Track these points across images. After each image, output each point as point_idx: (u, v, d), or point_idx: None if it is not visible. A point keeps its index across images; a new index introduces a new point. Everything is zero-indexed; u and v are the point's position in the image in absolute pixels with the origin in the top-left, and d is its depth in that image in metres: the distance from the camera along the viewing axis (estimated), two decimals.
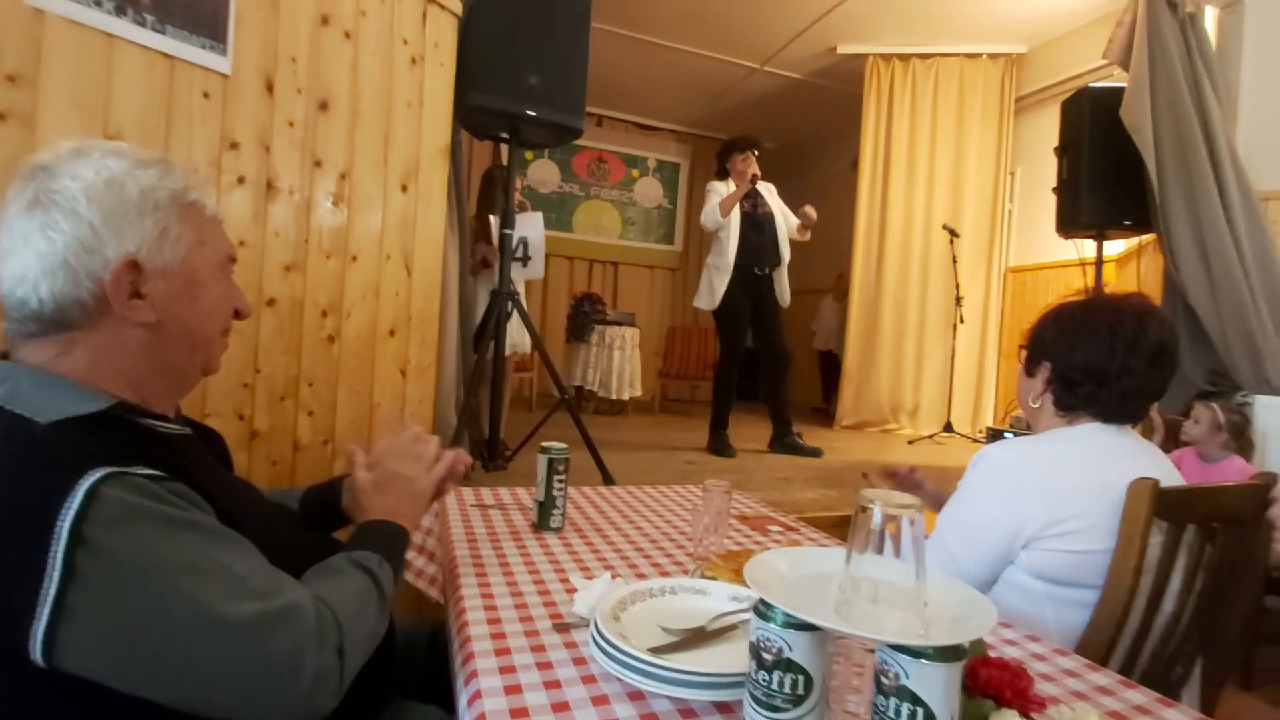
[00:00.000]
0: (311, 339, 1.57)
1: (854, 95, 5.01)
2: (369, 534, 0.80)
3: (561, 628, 0.78)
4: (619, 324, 4.99)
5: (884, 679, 0.44)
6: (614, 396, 4.87)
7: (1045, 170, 3.56)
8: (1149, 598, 0.94)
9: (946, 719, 0.42)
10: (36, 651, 0.50)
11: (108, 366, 0.65)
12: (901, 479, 1.42)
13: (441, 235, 1.81)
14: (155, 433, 0.67)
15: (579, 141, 6.41)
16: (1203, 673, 1.06)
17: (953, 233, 4.58)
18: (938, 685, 0.42)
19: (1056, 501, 0.99)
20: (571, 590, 0.88)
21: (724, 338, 3.46)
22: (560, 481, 1.15)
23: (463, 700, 0.65)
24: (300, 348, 1.55)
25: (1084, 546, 0.97)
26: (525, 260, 2.65)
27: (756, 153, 3.38)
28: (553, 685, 0.65)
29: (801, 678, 0.47)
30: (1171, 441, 2.56)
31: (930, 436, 4.46)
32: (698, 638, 0.69)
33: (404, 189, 1.73)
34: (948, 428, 4.49)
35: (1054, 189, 3.37)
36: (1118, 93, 3.07)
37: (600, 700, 0.63)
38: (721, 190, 3.39)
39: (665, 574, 0.99)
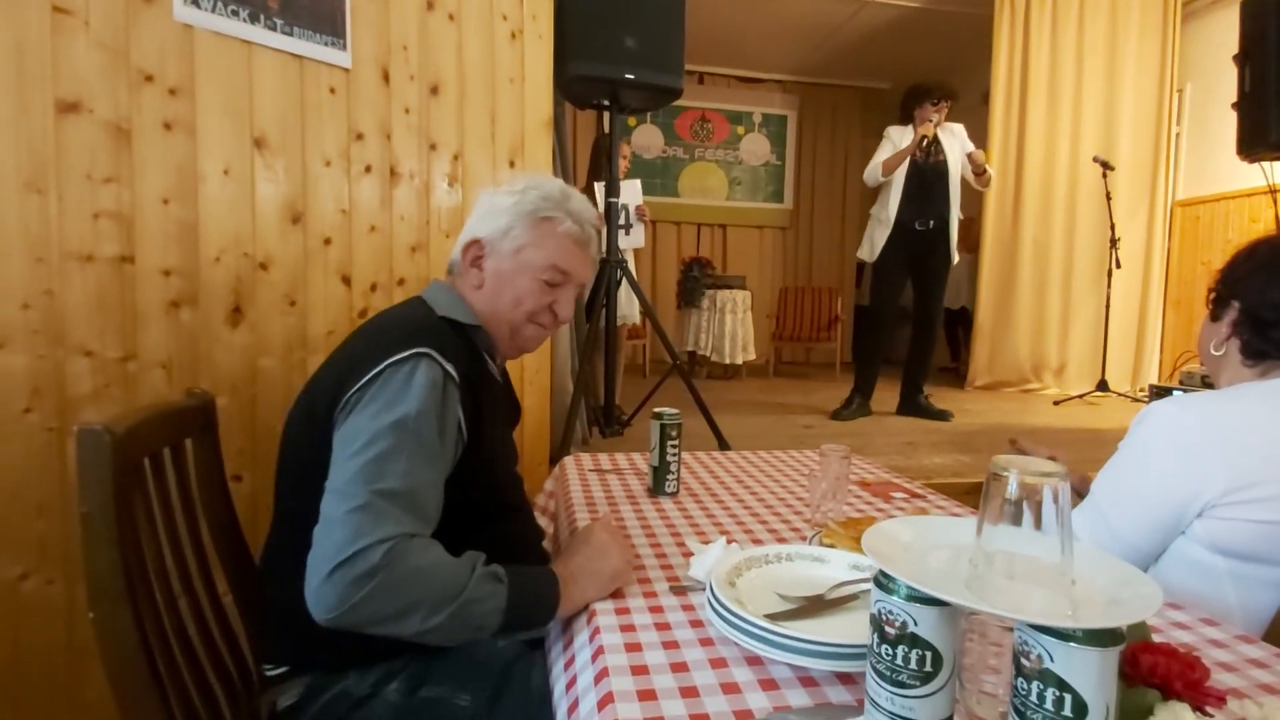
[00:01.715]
0: None
1: (982, 19, 4.51)
2: (530, 575, 0.78)
3: (679, 590, 0.79)
4: (729, 287, 4.92)
5: (1025, 661, 0.40)
6: (727, 361, 4.83)
7: (1221, 84, 3.04)
8: None
9: (1101, 709, 0.38)
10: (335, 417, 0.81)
11: (469, 302, 0.97)
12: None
13: None
14: (476, 356, 0.94)
15: (680, 102, 6.28)
16: None
17: (1106, 165, 4.04)
18: (1089, 671, 0.38)
19: (1241, 464, 0.86)
20: (688, 554, 0.89)
21: (872, 296, 3.28)
22: (674, 446, 1.15)
23: (585, 655, 0.68)
24: None
25: (1274, 516, 0.84)
26: (627, 228, 2.65)
27: (948, 104, 3.07)
28: (671, 645, 0.66)
29: (929, 654, 0.44)
30: None
31: (1081, 396, 4.03)
32: (815, 606, 0.67)
33: (511, 164, 1.78)
34: (1102, 386, 4.04)
35: (1234, 104, 2.87)
36: None
37: (719, 663, 0.63)
38: (896, 139, 3.12)
39: (782, 540, 0.98)
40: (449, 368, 0.83)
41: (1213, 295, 1.01)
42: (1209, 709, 0.42)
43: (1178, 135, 4.32)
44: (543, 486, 1.42)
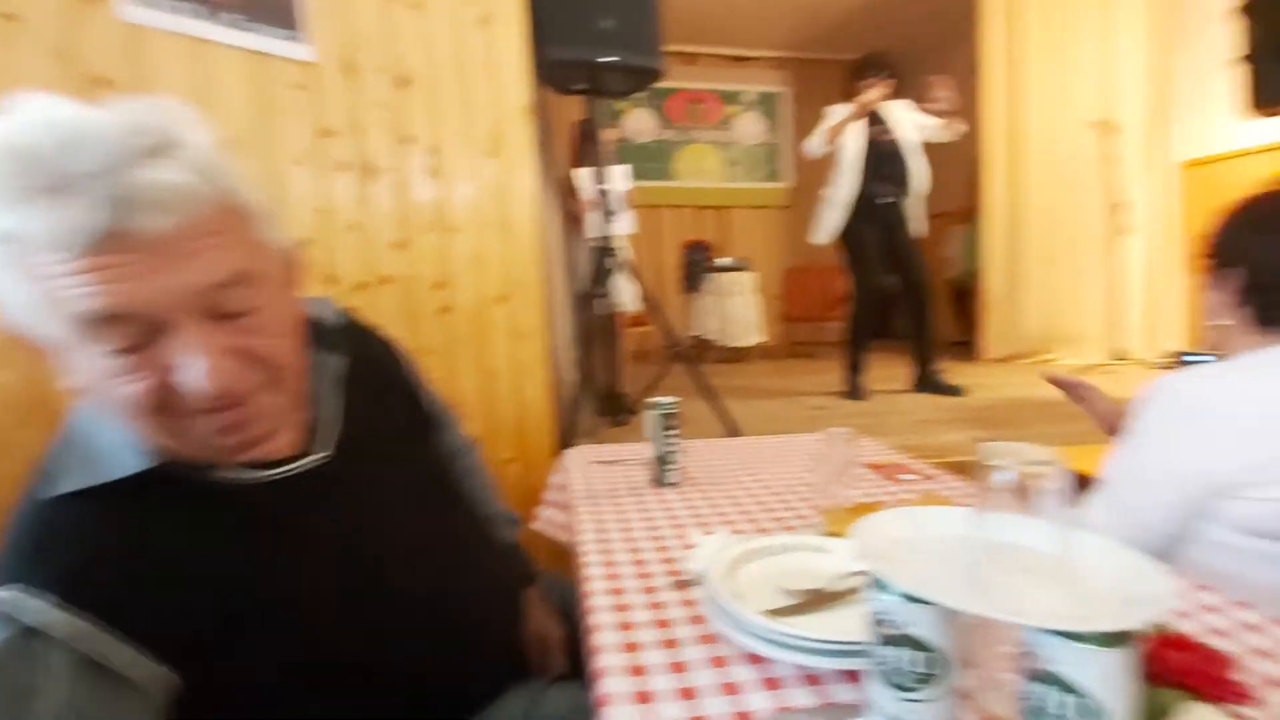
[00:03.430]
0: (426, 311, 1.67)
1: None
2: None
3: (681, 583, 0.77)
4: (733, 269, 4.88)
5: (1031, 663, 0.38)
6: (736, 344, 4.79)
7: (1219, 40, 2.95)
8: None
9: (1115, 712, 0.36)
10: None
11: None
12: (1071, 389, 1.25)
13: (535, 198, 1.83)
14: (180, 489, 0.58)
15: (670, 84, 6.22)
16: None
17: (1108, 127, 3.94)
18: (1099, 674, 0.35)
19: (1262, 439, 0.82)
20: (690, 547, 0.87)
21: (852, 273, 3.25)
22: (673, 436, 1.13)
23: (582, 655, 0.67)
24: (418, 321, 1.66)
25: None
26: (616, 214, 2.63)
27: (885, 79, 3.05)
28: (671, 644, 0.64)
29: (929, 655, 0.42)
30: None
31: (1097, 366, 3.97)
32: (819, 599, 0.65)
33: (491, 155, 1.76)
34: (1119, 354, 3.96)
35: (1239, 60, 2.79)
36: None
37: (719, 661, 0.61)
38: (837, 114, 3.12)
39: (788, 528, 0.96)
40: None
41: (1210, 262, 0.97)
42: (1235, 706, 0.39)
43: (1180, 94, 4.20)
44: (547, 481, 1.41)
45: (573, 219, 2.79)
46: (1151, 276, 4.26)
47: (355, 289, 1.63)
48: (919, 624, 0.42)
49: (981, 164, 4.42)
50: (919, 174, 3.12)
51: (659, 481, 1.14)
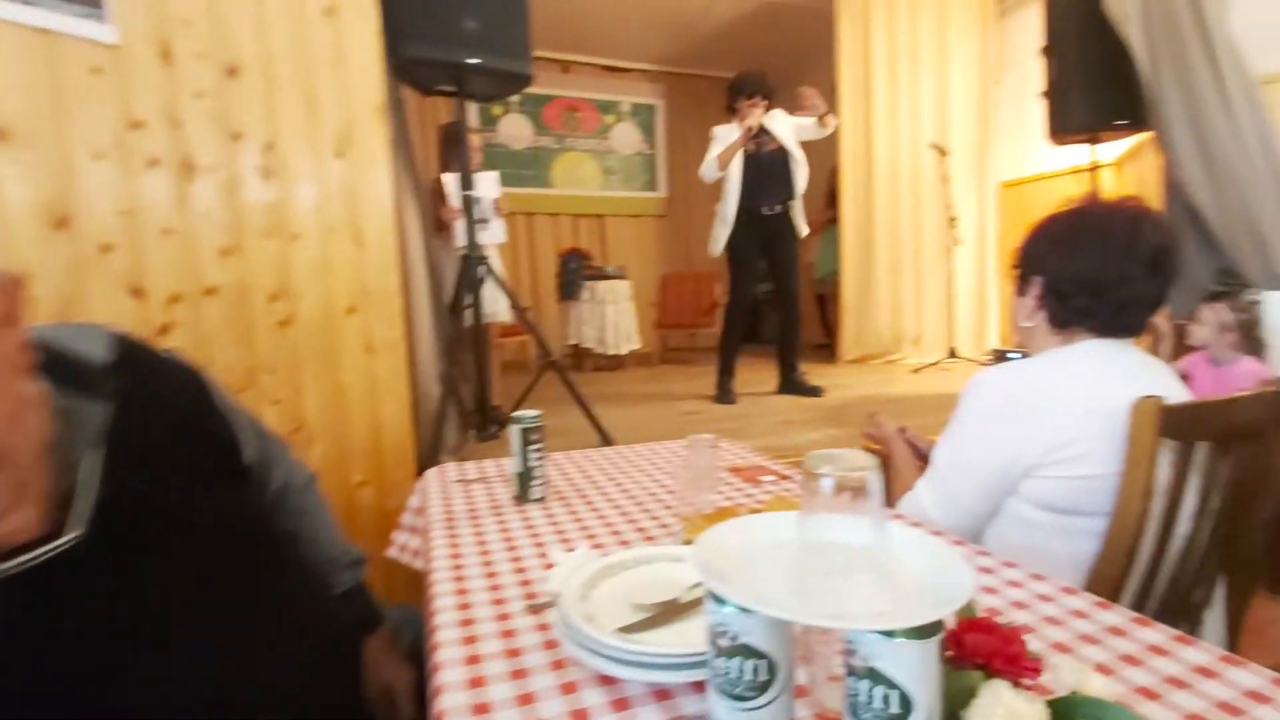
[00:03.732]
0: (264, 325, 1.50)
1: (827, 14, 4.75)
2: None
3: (535, 608, 0.74)
4: (609, 278, 4.90)
5: (853, 660, 0.39)
6: (611, 352, 4.81)
7: (1033, 77, 3.39)
8: (1161, 522, 0.89)
9: (924, 701, 0.37)
10: None
11: None
12: (887, 439, 1.35)
13: (390, 202, 1.71)
14: None
15: (547, 91, 6.19)
16: (1227, 592, 1.02)
17: (941, 151, 4.41)
18: (912, 665, 0.37)
19: (1056, 426, 0.93)
20: (550, 566, 0.84)
21: (730, 282, 3.39)
22: (537, 450, 1.10)
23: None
24: (253, 335, 1.48)
25: (1088, 471, 0.92)
26: (485, 223, 2.54)
27: (764, 99, 3.19)
28: (520, 675, 0.61)
29: (764, 663, 0.42)
30: (1182, 348, 2.49)
31: (935, 363, 4.39)
32: (671, 611, 0.64)
33: (339, 155, 1.62)
34: (952, 353, 4.42)
35: (1042, 94, 3.21)
36: None
37: (569, 688, 0.59)
38: (723, 136, 3.23)
39: (650, 539, 0.95)
40: None
41: (1017, 272, 1.09)
42: (1028, 680, 0.42)
43: (999, 123, 4.78)
44: (406, 504, 1.32)
45: (440, 225, 2.67)
46: (979, 283, 4.80)
47: (170, 302, 1.44)
48: (753, 633, 0.42)
49: (839, 179, 4.77)
50: (800, 178, 3.28)
51: (522, 498, 1.10)
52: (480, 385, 2.06)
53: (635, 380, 4.39)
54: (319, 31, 1.59)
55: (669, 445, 1.51)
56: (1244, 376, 2.20)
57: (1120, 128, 3.01)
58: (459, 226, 2.13)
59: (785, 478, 1.24)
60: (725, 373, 3.35)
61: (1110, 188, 3.37)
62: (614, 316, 4.79)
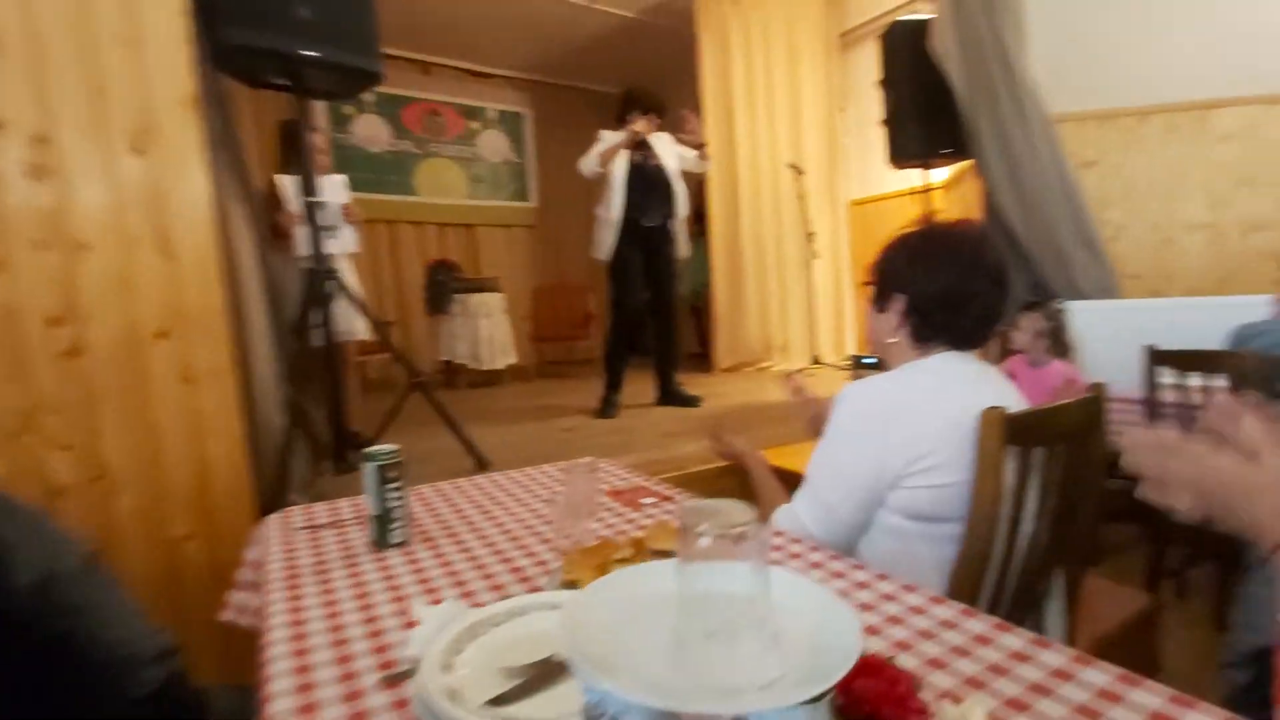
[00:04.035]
0: (43, 356, 1.23)
1: (691, 35, 4.92)
2: None
3: (391, 680, 0.64)
4: (480, 290, 4.71)
5: None
6: (487, 367, 4.62)
7: (873, 105, 3.69)
8: (1009, 523, 0.96)
9: None
10: None
11: None
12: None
13: (208, 208, 1.47)
14: None
15: (406, 92, 5.89)
16: (1066, 578, 1.11)
17: (798, 170, 4.70)
18: None
19: (915, 437, 0.97)
20: (411, 624, 0.75)
21: (613, 295, 3.36)
22: (395, 489, 0.99)
23: None
24: (28, 368, 1.21)
25: (944, 480, 0.97)
26: (333, 231, 2.32)
27: (651, 113, 3.23)
28: None
29: None
30: (1005, 352, 2.80)
31: (801, 370, 4.64)
32: (546, 674, 0.58)
33: (138, 152, 1.37)
34: (815, 360, 4.70)
35: (881, 122, 3.50)
36: (928, 24, 3.20)
37: None
38: (608, 139, 3.25)
39: (526, 580, 0.88)
40: None
41: (875, 289, 1.13)
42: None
43: (846, 146, 5.17)
44: (243, 557, 1.14)
45: (276, 233, 2.40)
46: (836, 294, 5.15)
47: None
48: (633, 713, 0.37)
49: (708, 194, 4.92)
50: (681, 198, 3.35)
51: (380, 544, 0.98)
52: (336, 411, 1.86)
53: (513, 396, 4.24)
54: (105, 6, 1.33)
55: (548, 470, 1.44)
56: (1056, 376, 2.51)
57: (947, 155, 3.34)
58: (301, 235, 1.91)
59: (667, 498, 1.21)
60: (612, 386, 3.32)
61: (941, 209, 3.74)
62: (488, 330, 4.61)
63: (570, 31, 5.58)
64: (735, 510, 0.40)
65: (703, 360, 5.25)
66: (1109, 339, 2.81)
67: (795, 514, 1.06)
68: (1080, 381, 2.52)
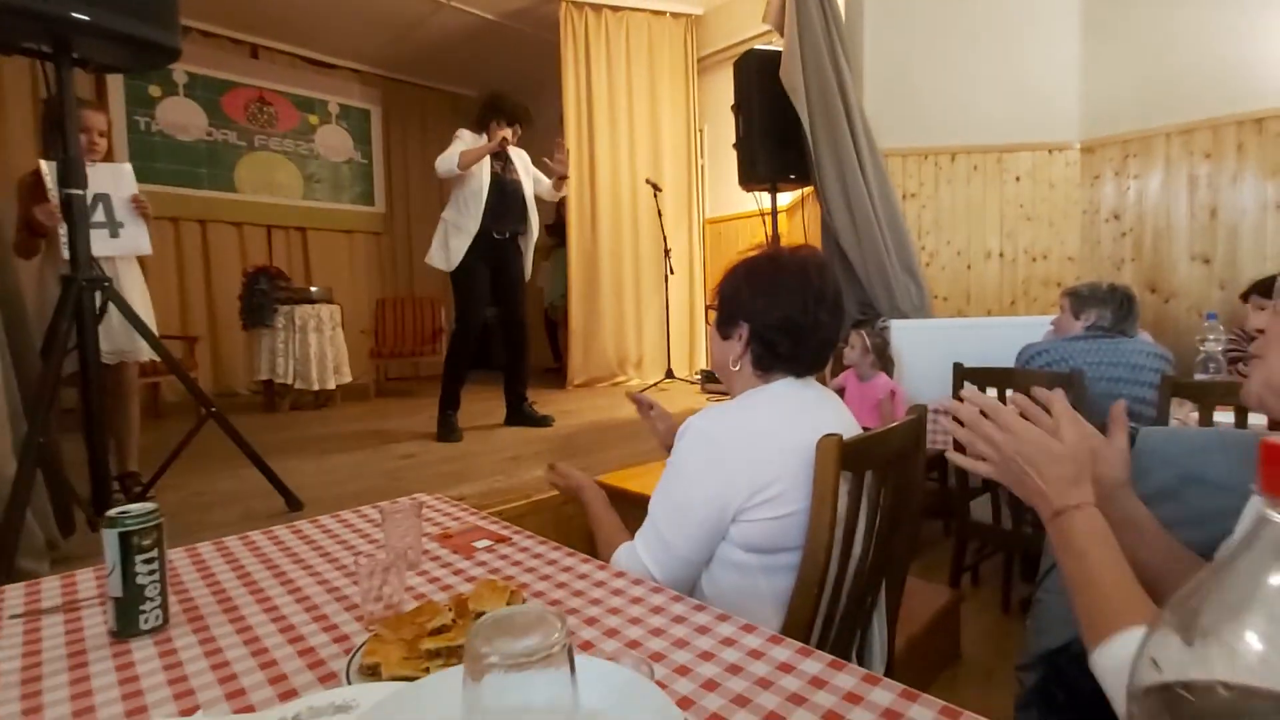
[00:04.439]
0: None
1: (552, 43, 4.85)
2: None
3: None
4: (310, 301, 4.26)
5: None
6: (316, 387, 4.17)
7: (728, 127, 3.84)
8: (842, 547, 0.96)
9: None
10: None
11: None
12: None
13: None
14: None
15: (228, 76, 5.25)
16: (886, 587, 1.15)
17: (655, 187, 4.77)
18: None
19: (757, 470, 0.95)
20: None
21: (458, 309, 3.15)
22: (148, 562, 0.79)
23: None
24: None
25: (784, 510, 0.95)
26: (115, 229, 1.95)
27: (516, 123, 3.16)
28: None
29: None
30: (837, 366, 2.99)
31: (655, 384, 4.69)
32: None
33: None
34: (669, 374, 4.77)
35: (734, 145, 3.64)
36: (778, 56, 3.39)
37: None
38: (469, 140, 3.09)
39: (319, 665, 0.73)
40: None
41: (719, 315, 1.11)
42: None
43: (703, 166, 5.35)
44: None
45: (36, 232, 1.96)
46: (689, 310, 5.28)
47: None
48: None
49: (567, 208, 4.84)
50: (534, 217, 3.28)
51: (123, 632, 0.78)
52: (97, 451, 1.51)
53: (345, 419, 3.86)
54: None
55: (367, 512, 1.27)
56: (882, 389, 2.71)
57: (792, 180, 3.55)
58: (67, 234, 1.55)
59: (503, 539, 1.10)
60: (448, 407, 3.11)
61: (784, 230, 3.95)
62: (318, 346, 4.17)
63: (425, 27, 5.28)
64: (536, 621, 0.31)
65: (556, 375, 5.15)
66: (923, 354, 3.10)
67: (635, 554, 1.01)
68: (901, 393, 2.75)
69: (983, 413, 0.73)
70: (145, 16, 1.49)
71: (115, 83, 4.64)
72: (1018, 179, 3.58)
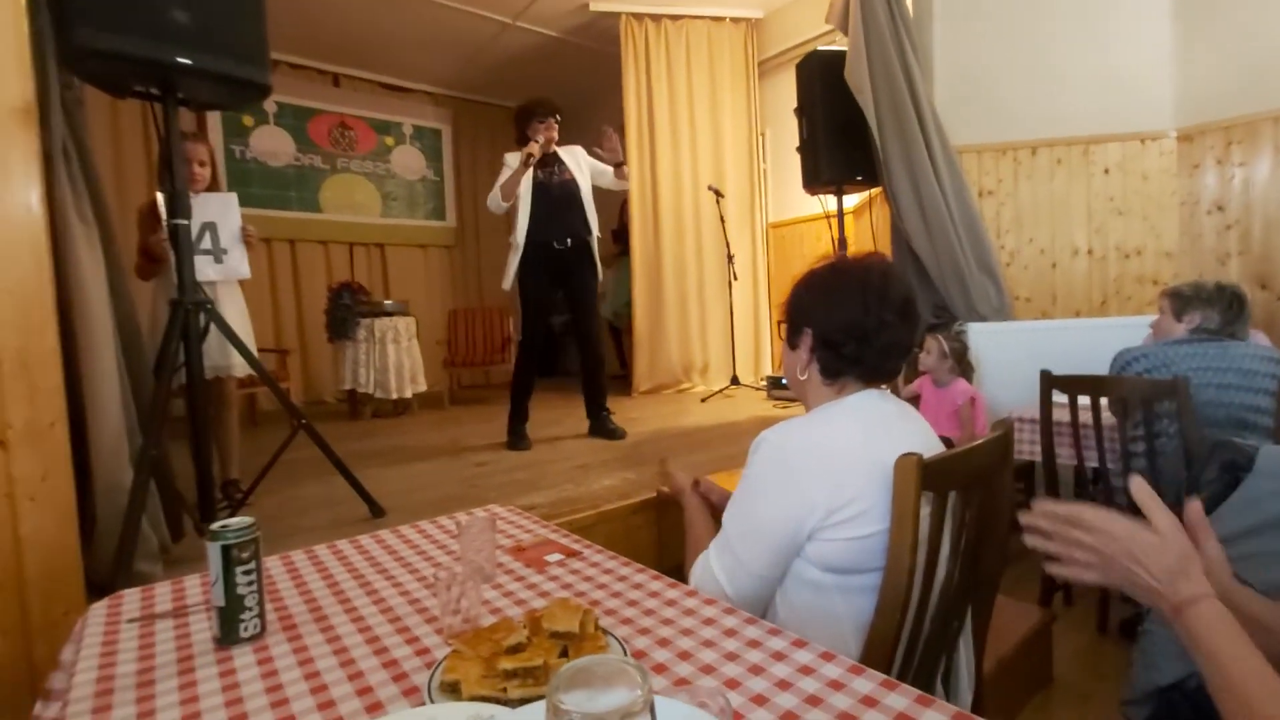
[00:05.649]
0: None
1: (614, 56, 4.91)
2: None
3: None
4: (389, 314, 4.45)
5: None
6: (394, 396, 4.36)
7: (790, 130, 3.78)
8: (925, 570, 0.92)
9: None
10: None
11: None
12: (679, 492, 1.40)
13: (39, 231, 1.25)
14: None
15: (313, 104, 5.58)
16: (973, 611, 1.09)
17: (718, 193, 4.74)
18: None
19: (834, 489, 0.92)
20: None
21: (520, 325, 3.17)
22: (248, 575, 0.84)
23: None
24: None
25: (864, 531, 0.92)
26: (219, 255, 2.09)
27: (556, 119, 3.05)
28: None
29: None
30: (911, 370, 2.88)
31: (720, 391, 4.65)
32: None
33: None
34: (734, 381, 4.72)
35: (797, 148, 3.57)
36: (842, 56, 3.30)
37: None
38: (513, 163, 3.03)
39: (403, 678, 0.75)
40: None
41: (785, 325, 1.10)
42: None
43: (765, 170, 5.28)
44: (59, 657, 0.95)
45: (152, 259, 2.14)
46: (754, 315, 5.21)
47: None
48: None
49: (630, 217, 4.88)
50: (593, 215, 3.16)
51: (225, 639, 0.83)
52: (202, 461, 1.64)
53: (422, 428, 4.01)
54: None
55: (444, 523, 1.31)
56: (960, 394, 2.59)
57: (859, 182, 3.45)
58: (177, 260, 1.68)
59: (574, 554, 1.11)
60: (516, 417, 3.16)
61: (850, 232, 3.85)
62: (396, 357, 4.36)
63: (492, 48, 5.45)
64: (617, 674, 0.31)
65: (624, 383, 5.18)
66: (1005, 358, 2.95)
67: (709, 568, 1.00)
68: (981, 399, 2.62)
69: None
70: (241, 58, 1.61)
71: (214, 115, 5.02)
72: (1106, 171, 3.35)
